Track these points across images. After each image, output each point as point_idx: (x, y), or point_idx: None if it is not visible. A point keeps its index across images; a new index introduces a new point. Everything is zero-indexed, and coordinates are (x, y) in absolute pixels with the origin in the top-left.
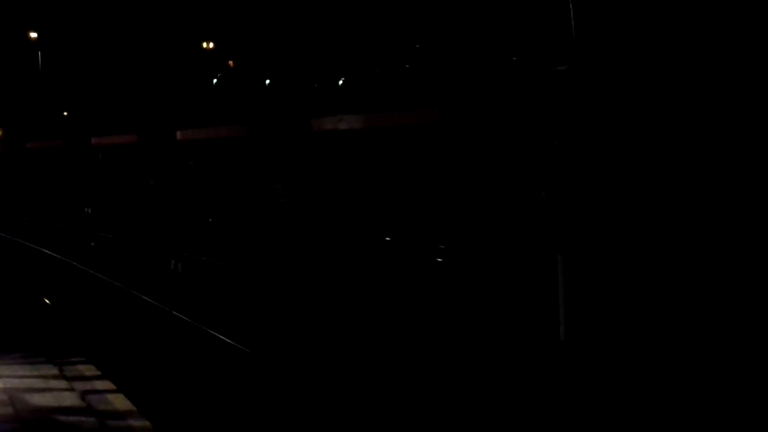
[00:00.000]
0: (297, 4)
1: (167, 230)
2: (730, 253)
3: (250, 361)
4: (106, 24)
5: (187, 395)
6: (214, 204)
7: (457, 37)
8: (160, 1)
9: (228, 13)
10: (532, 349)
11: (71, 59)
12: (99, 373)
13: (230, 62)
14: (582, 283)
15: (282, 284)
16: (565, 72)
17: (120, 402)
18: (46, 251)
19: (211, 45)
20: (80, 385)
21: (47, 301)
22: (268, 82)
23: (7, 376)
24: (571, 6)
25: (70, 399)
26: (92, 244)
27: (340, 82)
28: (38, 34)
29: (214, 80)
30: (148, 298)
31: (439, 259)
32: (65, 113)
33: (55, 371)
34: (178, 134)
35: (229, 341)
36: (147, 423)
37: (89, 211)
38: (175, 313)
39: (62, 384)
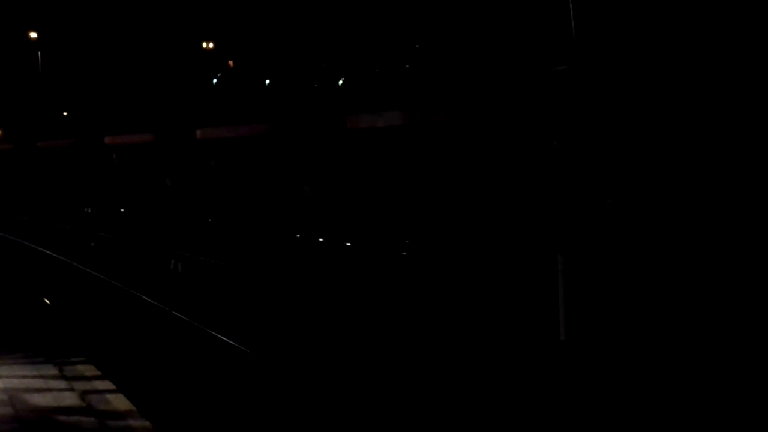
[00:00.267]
0: None
1: (186, 233)
2: (729, 253)
3: (252, 362)
4: (120, 18)
5: (187, 395)
6: (237, 206)
7: (464, 37)
8: None
9: (252, 8)
10: (532, 349)
11: (82, 57)
12: (99, 373)
13: (230, 62)
14: (582, 283)
15: (307, 289)
16: (565, 72)
17: (120, 402)
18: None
19: (213, 44)
20: (80, 385)
21: (47, 301)
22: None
23: (7, 376)
24: (571, 6)
25: (70, 399)
26: (111, 249)
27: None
28: (44, 34)
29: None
30: (152, 301)
31: (440, 259)
32: (67, 113)
33: (55, 371)
34: (198, 132)
35: (230, 341)
36: (147, 423)
37: (89, 210)
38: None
39: (62, 384)
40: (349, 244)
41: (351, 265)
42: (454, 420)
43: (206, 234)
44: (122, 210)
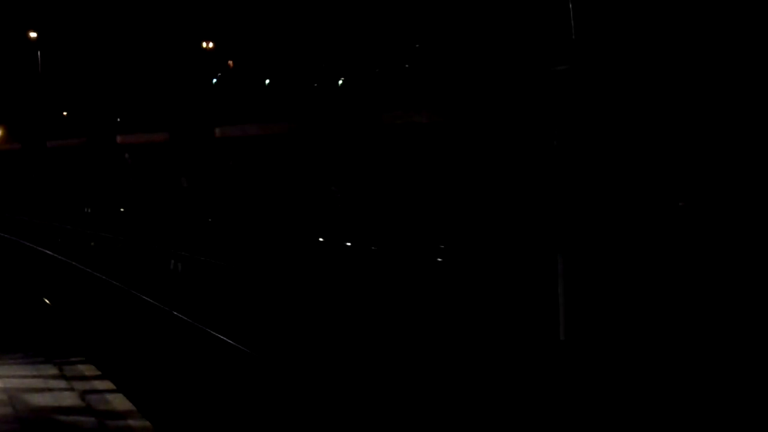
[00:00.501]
0: None
1: (202, 235)
2: (729, 253)
3: (253, 362)
4: (134, 12)
5: (187, 395)
6: (259, 207)
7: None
8: None
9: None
10: (532, 349)
11: (95, 55)
12: (99, 373)
13: (230, 62)
14: (582, 283)
15: (328, 293)
16: (565, 72)
17: (120, 402)
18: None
19: (211, 43)
20: (80, 385)
21: (47, 301)
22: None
23: (7, 376)
24: (570, 6)
25: (69, 399)
26: (129, 253)
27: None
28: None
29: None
30: (153, 302)
31: (439, 260)
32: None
33: (55, 371)
34: (217, 131)
35: (231, 341)
36: (147, 423)
37: (89, 210)
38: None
39: (62, 384)
40: (374, 247)
41: (372, 268)
42: (455, 420)
43: (225, 236)
44: (137, 211)
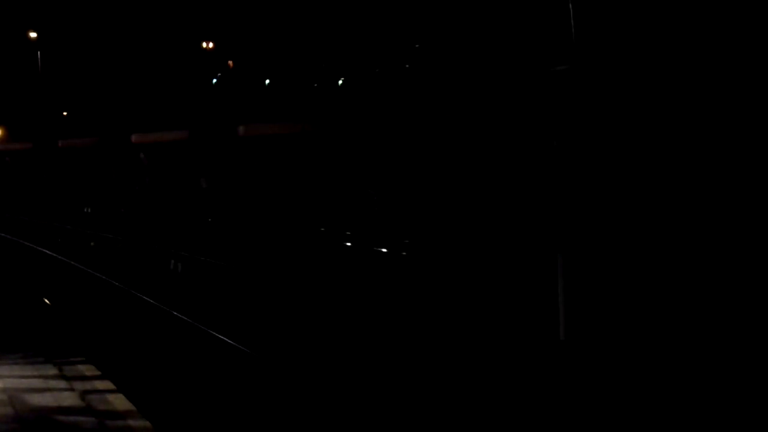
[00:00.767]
0: None
1: (223, 239)
2: (729, 253)
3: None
4: (147, 6)
5: (187, 395)
6: (286, 210)
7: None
8: None
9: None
10: (532, 349)
11: (107, 53)
12: (99, 373)
13: (230, 62)
14: (582, 283)
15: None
16: (565, 72)
17: (120, 402)
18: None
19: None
20: (80, 385)
21: (47, 301)
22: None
23: (7, 376)
24: (570, 6)
25: (69, 399)
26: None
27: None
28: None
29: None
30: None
31: (403, 253)
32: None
33: (55, 371)
34: (241, 129)
35: (231, 341)
36: (147, 423)
37: (89, 210)
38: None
39: (62, 384)
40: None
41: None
42: (454, 420)
43: (248, 240)
44: (156, 213)
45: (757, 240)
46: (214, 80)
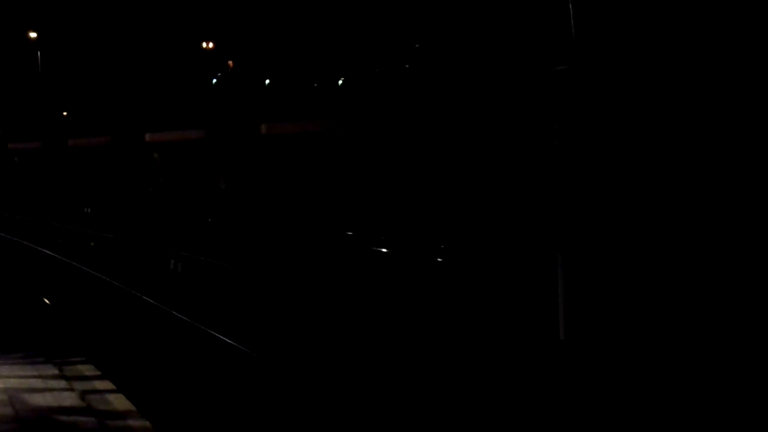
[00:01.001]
0: None
1: (247, 243)
2: (728, 253)
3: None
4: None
5: (187, 395)
6: (315, 212)
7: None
8: None
9: None
10: (532, 349)
11: (119, 50)
12: (99, 373)
13: (230, 62)
14: (582, 283)
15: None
16: (565, 72)
17: (120, 402)
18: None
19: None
20: (80, 385)
21: (47, 301)
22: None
23: (7, 376)
24: (570, 6)
25: (69, 399)
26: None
27: None
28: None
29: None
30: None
31: (439, 259)
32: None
33: (54, 371)
34: (263, 128)
35: (230, 341)
36: (147, 423)
37: (89, 210)
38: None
39: (62, 384)
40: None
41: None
42: (454, 420)
43: (277, 244)
44: (172, 217)
45: (757, 240)
46: (216, 77)
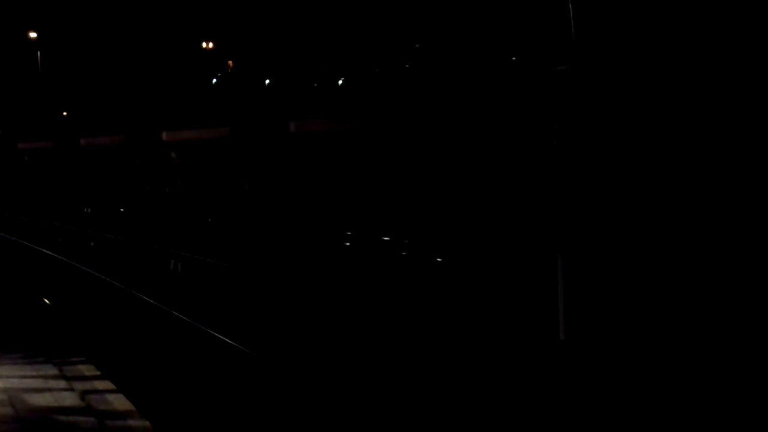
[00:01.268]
0: None
1: (278, 246)
2: (728, 253)
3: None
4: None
5: (187, 395)
6: (353, 213)
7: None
8: None
9: None
10: (531, 348)
11: (133, 47)
12: (99, 373)
13: (230, 62)
14: (582, 283)
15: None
16: (565, 72)
17: (120, 402)
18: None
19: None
20: (80, 385)
21: (47, 301)
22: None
23: (7, 376)
24: (570, 6)
25: (69, 399)
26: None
27: None
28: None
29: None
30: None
31: (438, 259)
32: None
33: (55, 371)
34: (292, 126)
35: (229, 341)
36: (147, 423)
37: (89, 210)
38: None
39: (62, 384)
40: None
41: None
42: (454, 420)
43: (311, 247)
44: (192, 220)
45: (757, 240)
46: (214, 80)
